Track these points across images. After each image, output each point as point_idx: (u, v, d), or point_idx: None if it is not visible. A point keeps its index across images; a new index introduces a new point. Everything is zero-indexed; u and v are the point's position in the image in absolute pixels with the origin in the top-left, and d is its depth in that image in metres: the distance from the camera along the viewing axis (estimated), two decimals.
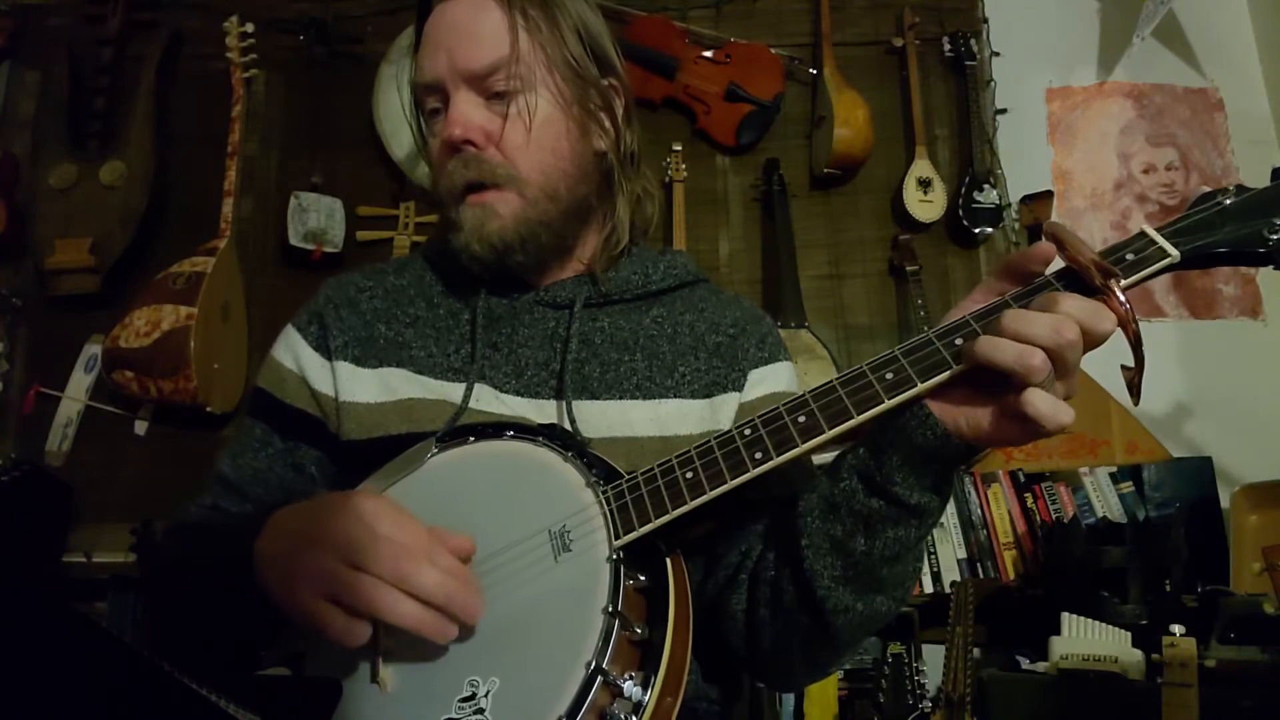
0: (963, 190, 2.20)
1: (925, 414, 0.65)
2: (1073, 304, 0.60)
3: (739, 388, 0.91)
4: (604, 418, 0.85)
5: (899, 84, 2.32)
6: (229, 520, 0.85)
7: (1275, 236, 0.63)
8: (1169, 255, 0.63)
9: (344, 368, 0.88)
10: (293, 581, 0.64)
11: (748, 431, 0.68)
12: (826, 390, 0.67)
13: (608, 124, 0.92)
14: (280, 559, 0.66)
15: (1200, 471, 2.07)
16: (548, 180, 0.86)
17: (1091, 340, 0.60)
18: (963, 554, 1.95)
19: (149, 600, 0.87)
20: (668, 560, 0.68)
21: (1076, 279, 0.64)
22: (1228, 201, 0.66)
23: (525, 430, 0.77)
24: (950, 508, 1.98)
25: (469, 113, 0.85)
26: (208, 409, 1.96)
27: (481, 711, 0.61)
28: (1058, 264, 0.66)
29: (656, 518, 0.67)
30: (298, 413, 0.89)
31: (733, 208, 2.28)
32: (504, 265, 0.87)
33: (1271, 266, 0.64)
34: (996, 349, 0.60)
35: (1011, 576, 1.93)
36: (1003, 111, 2.31)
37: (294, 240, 2.08)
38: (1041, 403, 0.59)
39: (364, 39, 2.29)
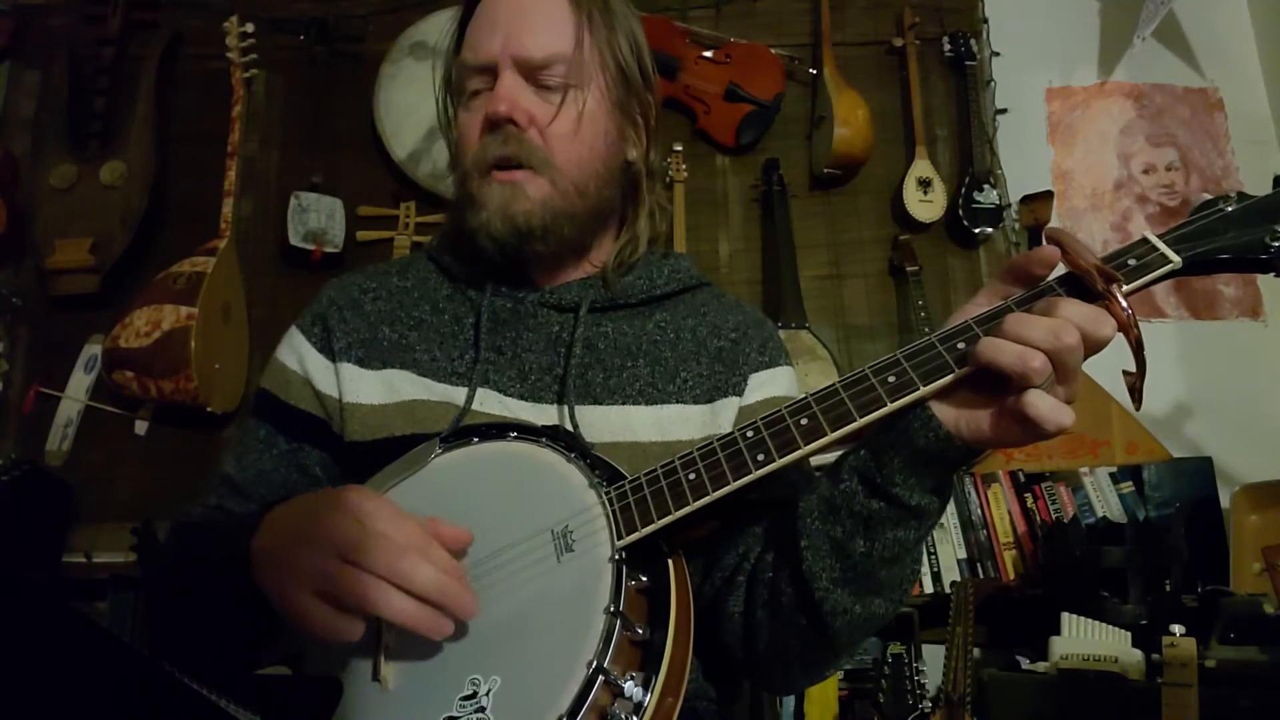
0: (963, 190, 2.20)
1: (928, 416, 0.65)
2: (1073, 309, 0.61)
3: (739, 392, 0.91)
4: (606, 422, 0.86)
5: (899, 84, 2.32)
6: (229, 520, 0.85)
7: (1277, 244, 0.63)
8: (1171, 261, 0.64)
9: (348, 369, 0.88)
10: (288, 579, 0.64)
11: (750, 433, 0.68)
12: (829, 393, 0.67)
13: (641, 135, 0.93)
14: (276, 557, 0.66)
15: (1200, 471, 2.07)
16: (581, 175, 0.87)
17: (1092, 345, 0.61)
18: (963, 554, 1.95)
19: (149, 600, 0.87)
20: (669, 561, 0.68)
21: (1078, 284, 0.64)
22: (1229, 208, 0.66)
23: (529, 431, 0.78)
24: (950, 508, 1.98)
25: (517, 93, 0.85)
26: (208, 409, 1.96)
27: (483, 710, 0.61)
28: (1060, 269, 0.66)
29: (659, 518, 0.67)
30: (302, 414, 0.89)
31: (733, 208, 2.27)
32: (522, 252, 0.87)
33: (1273, 273, 0.64)
34: (999, 351, 0.60)
35: (1011, 576, 1.93)
36: (1003, 111, 2.31)
37: (294, 240, 2.07)
38: (1042, 404, 0.59)
39: (364, 39, 2.29)
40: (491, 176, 0.85)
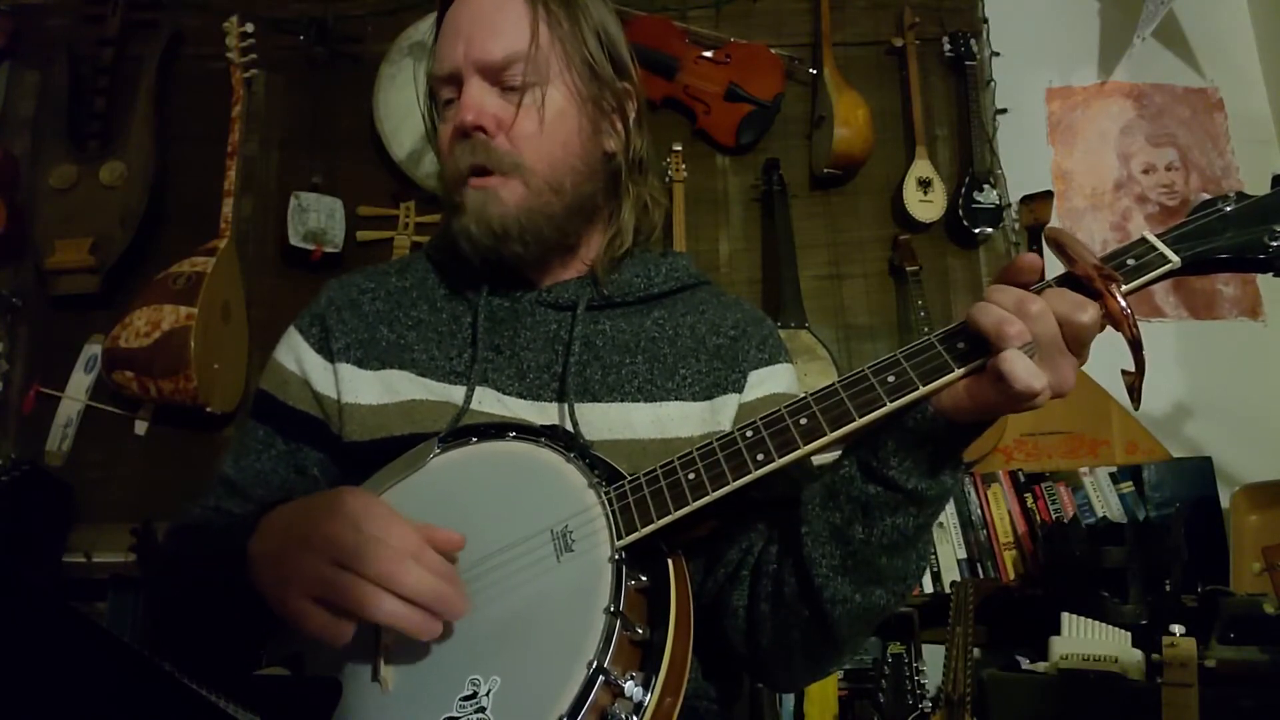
0: (963, 190, 2.20)
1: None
2: (1053, 292, 0.63)
3: (739, 389, 0.91)
4: (605, 420, 0.86)
5: (899, 84, 2.32)
6: (226, 521, 0.85)
7: (1275, 243, 0.63)
8: (1170, 261, 0.64)
9: (346, 369, 0.89)
10: (282, 582, 0.64)
11: (750, 433, 0.68)
12: (829, 393, 0.67)
13: (619, 126, 0.93)
14: (271, 559, 0.66)
15: (1200, 471, 2.07)
16: (554, 172, 0.87)
17: (1071, 330, 0.62)
18: (963, 554, 1.95)
19: (149, 600, 0.87)
20: (669, 561, 0.68)
21: (1078, 284, 0.64)
22: (1228, 208, 0.66)
23: (528, 431, 0.78)
24: (950, 507, 1.98)
25: (481, 99, 0.85)
26: (208, 409, 1.96)
27: (483, 710, 0.61)
28: (1059, 270, 0.66)
29: (659, 518, 0.67)
30: (300, 415, 0.89)
31: (733, 208, 2.28)
32: (502, 255, 0.87)
33: (1272, 273, 0.64)
34: (984, 312, 0.62)
35: (1011, 576, 1.93)
36: (1003, 111, 2.31)
37: (294, 240, 2.08)
38: (1016, 360, 0.60)
39: (364, 39, 2.29)
40: (468, 184, 0.86)
